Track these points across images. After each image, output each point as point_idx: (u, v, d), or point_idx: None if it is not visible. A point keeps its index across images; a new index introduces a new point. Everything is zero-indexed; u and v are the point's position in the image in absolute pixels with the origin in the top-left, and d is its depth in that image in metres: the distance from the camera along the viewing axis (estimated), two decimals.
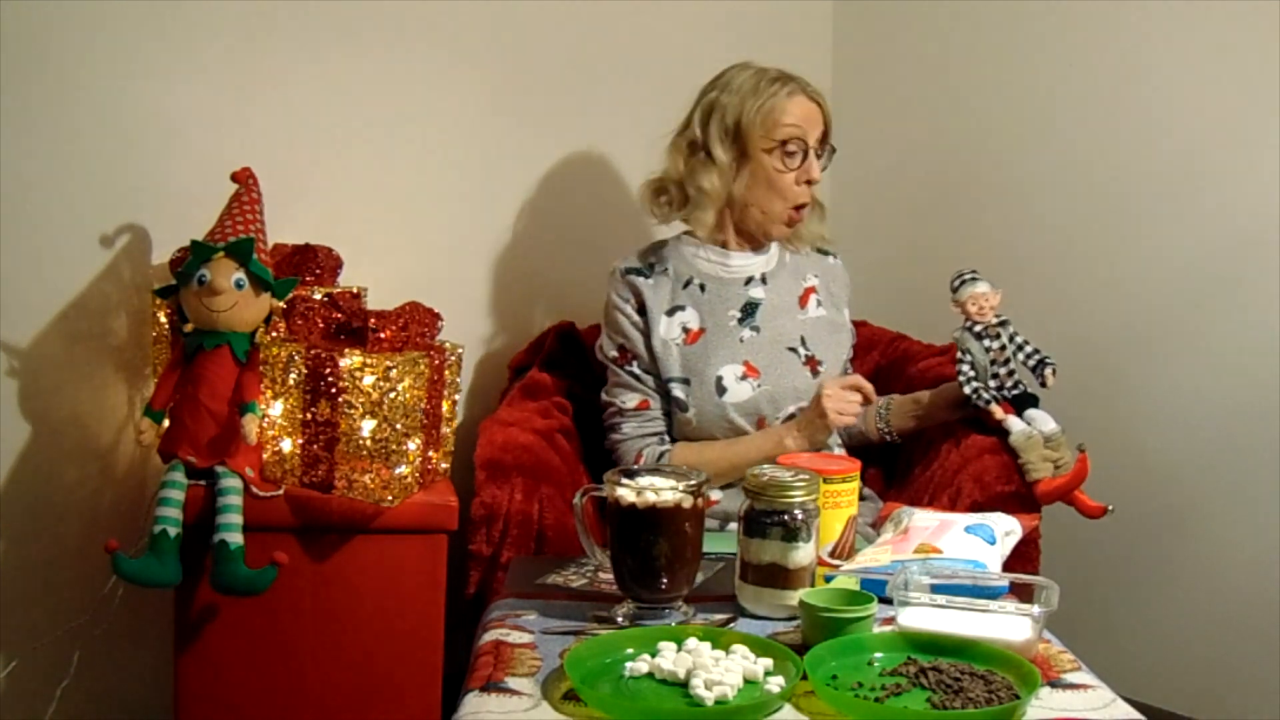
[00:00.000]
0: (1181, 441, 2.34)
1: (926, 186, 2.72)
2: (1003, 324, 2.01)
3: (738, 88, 2.05)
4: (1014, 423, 1.98)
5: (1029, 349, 2.01)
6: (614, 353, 2.11)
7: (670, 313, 2.08)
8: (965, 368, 2.00)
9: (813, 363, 2.11)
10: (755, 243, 2.14)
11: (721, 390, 2.04)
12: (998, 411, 2.00)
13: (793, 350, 2.10)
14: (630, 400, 2.09)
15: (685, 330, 2.07)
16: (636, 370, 2.09)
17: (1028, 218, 2.56)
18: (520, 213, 2.46)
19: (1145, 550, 2.39)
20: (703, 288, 2.10)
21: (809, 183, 2.05)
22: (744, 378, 2.05)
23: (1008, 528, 1.69)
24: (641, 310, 2.09)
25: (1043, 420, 1.98)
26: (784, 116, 2.02)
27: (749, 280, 2.12)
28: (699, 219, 2.08)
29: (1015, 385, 2.00)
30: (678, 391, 2.05)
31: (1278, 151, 2.18)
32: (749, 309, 2.10)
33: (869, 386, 2.02)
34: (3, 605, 1.95)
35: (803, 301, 2.15)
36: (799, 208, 2.07)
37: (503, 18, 2.38)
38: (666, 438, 2.09)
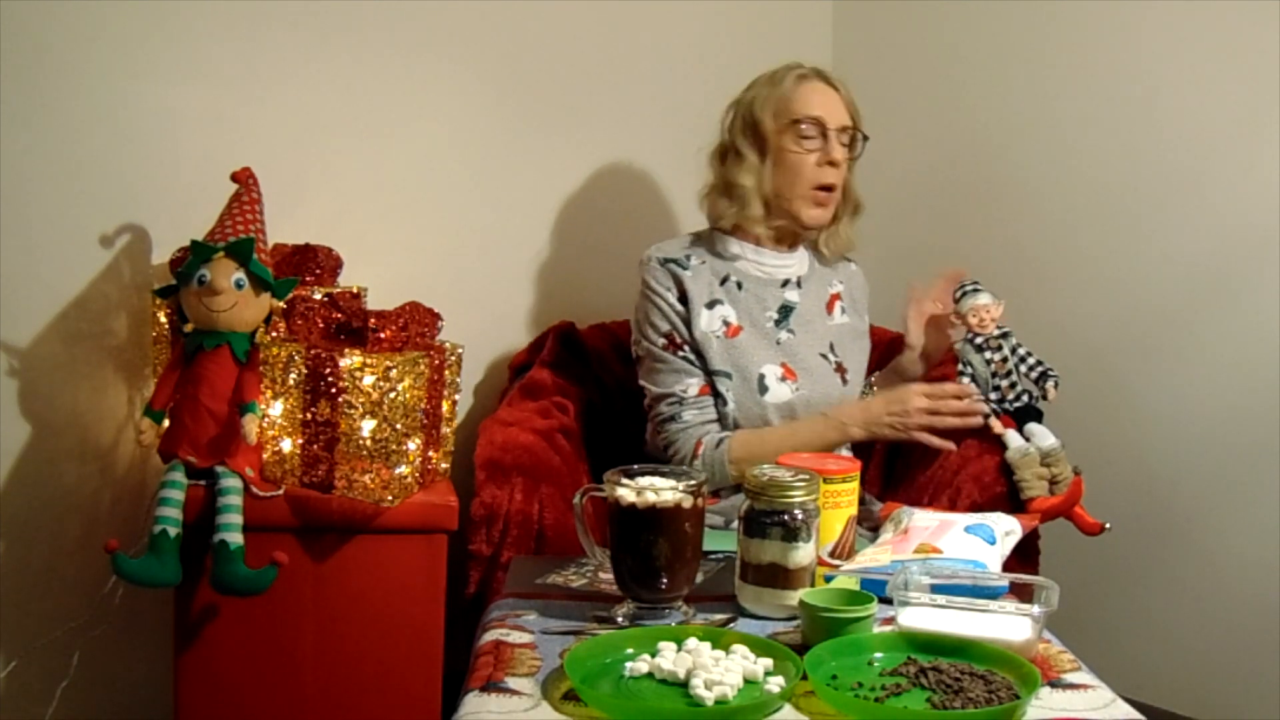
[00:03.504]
0: (1183, 443, 2.34)
1: (925, 187, 2.72)
2: (1004, 335, 1.99)
3: (757, 86, 2.08)
4: (1012, 438, 1.98)
5: (1031, 361, 1.98)
6: (661, 340, 2.04)
7: (710, 305, 2.04)
8: (965, 380, 1.99)
9: (841, 370, 2.10)
10: (790, 240, 2.12)
11: (764, 389, 2.01)
12: (997, 426, 1.99)
13: (824, 356, 2.09)
14: (692, 387, 2.02)
15: (726, 324, 2.04)
16: (690, 355, 2.04)
17: (1027, 219, 2.56)
18: (520, 212, 2.46)
19: (1145, 550, 2.39)
20: (740, 285, 2.07)
21: (831, 164, 2.03)
22: (783, 379, 2.03)
23: (1008, 528, 1.69)
24: (683, 300, 2.04)
25: (1042, 435, 1.97)
26: (794, 100, 2.03)
27: (786, 283, 2.11)
28: (750, 216, 2.07)
29: (1017, 398, 1.99)
30: (719, 385, 2.02)
31: None
32: (784, 311, 2.08)
33: (963, 401, 1.95)
34: (3, 605, 1.95)
35: (829, 307, 2.14)
36: (825, 189, 2.05)
37: (502, 18, 2.38)
38: (718, 425, 2.03)
